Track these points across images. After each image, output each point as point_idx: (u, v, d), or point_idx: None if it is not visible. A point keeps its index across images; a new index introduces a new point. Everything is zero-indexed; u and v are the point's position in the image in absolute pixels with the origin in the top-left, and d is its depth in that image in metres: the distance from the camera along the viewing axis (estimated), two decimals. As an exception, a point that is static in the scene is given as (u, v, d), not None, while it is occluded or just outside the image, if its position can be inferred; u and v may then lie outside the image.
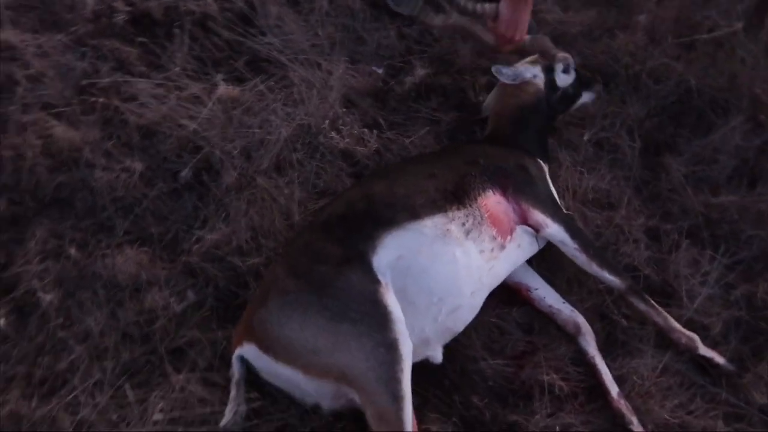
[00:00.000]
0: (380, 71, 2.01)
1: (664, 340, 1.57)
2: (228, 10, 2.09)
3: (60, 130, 1.73)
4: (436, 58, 2.04)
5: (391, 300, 1.33)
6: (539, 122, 1.78)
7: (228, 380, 1.38)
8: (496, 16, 1.76)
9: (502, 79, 1.73)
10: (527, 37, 1.81)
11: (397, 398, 1.26)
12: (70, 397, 1.36)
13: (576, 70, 1.84)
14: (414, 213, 1.42)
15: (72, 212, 1.64)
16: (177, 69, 1.90)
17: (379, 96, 1.96)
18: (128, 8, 2.04)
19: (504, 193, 1.55)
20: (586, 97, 1.89)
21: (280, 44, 2.00)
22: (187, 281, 1.55)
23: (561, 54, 1.81)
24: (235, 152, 1.73)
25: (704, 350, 1.56)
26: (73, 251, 1.57)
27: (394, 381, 1.27)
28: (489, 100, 1.88)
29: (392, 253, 1.38)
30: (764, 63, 1.99)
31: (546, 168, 1.72)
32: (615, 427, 1.45)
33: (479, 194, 1.50)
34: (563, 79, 1.81)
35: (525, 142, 1.73)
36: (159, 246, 1.60)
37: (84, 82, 1.85)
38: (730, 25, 2.01)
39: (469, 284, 1.43)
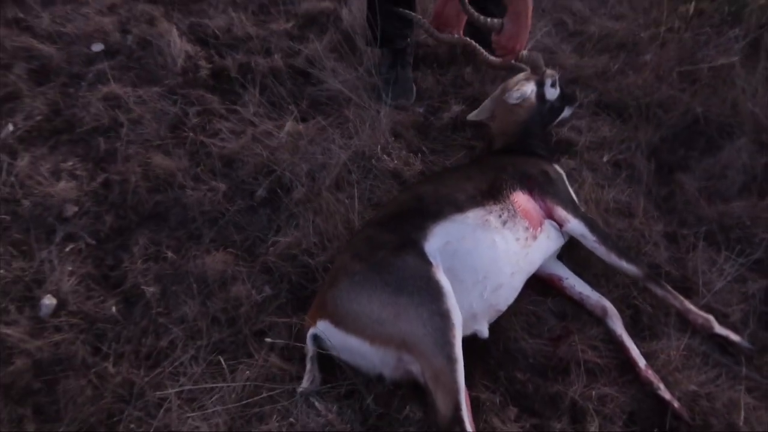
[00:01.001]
0: (421, 110, 2.33)
1: (686, 324, 1.76)
2: (291, 66, 2.48)
3: (157, 159, 2.08)
4: (469, 96, 2.36)
5: (442, 277, 1.56)
6: (537, 131, 2.06)
7: (302, 357, 1.61)
8: (500, 29, 2.06)
9: (512, 102, 2.02)
10: (524, 51, 2.08)
11: (451, 359, 1.47)
12: (171, 367, 1.61)
13: (560, 86, 2.13)
14: (458, 207, 1.69)
15: (167, 224, 1.96)
16: (251, 111, 2.26)
17: (421, 129, 2.27)
18: (209, 65, 2.44)
19: (531, 192, 1.80)
20: (566, 112, 2.17)
21: (336, 90, 2.35)
22: (265, 277, 1.81)
23: (550, 70, 2.10)
24: (302, 173, 2.03)
25: (720, 329, 1.73)
26: (169, 254, 1.86)
27: (449, 345, 1.48)
28: (478, 113, 2.15)
29: (440, 239, 1.63)
30: (762, 91, 2.24)
31: (562, 171, 1.96)
32: (645, 395, 1.61)
33: (510, 192, 1.76)
34: (551, 93, 2.10)
35: (535, 149, 2.00)
36: (241, 249, 1.88)
37: (175, 122, 2.22)
38: (728, 59, 2.28)
39: (508, 265, 1.66)
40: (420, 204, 1.72)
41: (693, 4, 2.42)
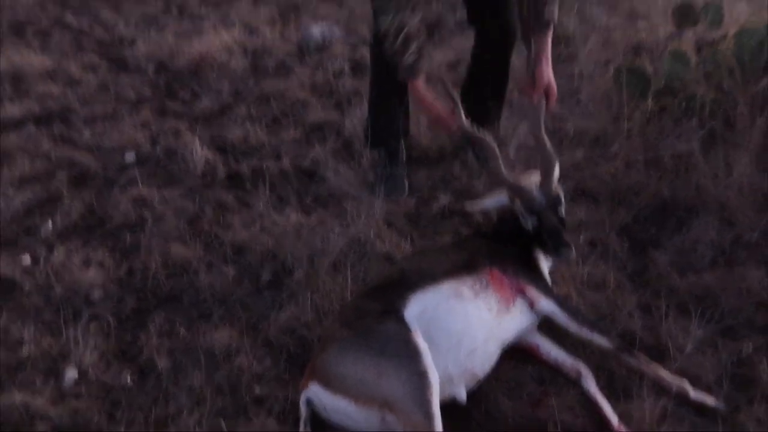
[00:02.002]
0: (412, 201, 2.59)
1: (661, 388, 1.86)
2: (298, 167, 2.79)
3: (175, 249, 2.34)
4: (456, 189, 2.62)
5: (420, 341, 1.71)
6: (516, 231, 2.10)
7: (296, 420, 1.75)
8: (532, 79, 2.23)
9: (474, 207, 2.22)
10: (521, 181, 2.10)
11: (429, 415, 1.59)
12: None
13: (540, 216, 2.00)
14: (434, 278, 1.87)
15: (181, 305, 2.18)
16: (261, 206, 2.54)
17: (412, 218, 2.51)
18: (226, 169, 2.77)
19: (504, 271, 1.97)
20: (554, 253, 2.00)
21: (337, 187, 2.64)
22: (265, 349, 2.00)
23: (520, 206, 2.03)
24: (303, 258, 2.27)
25: (696, 394, 1.83)
26: (182, 331, 2.07)
27: (426, 402, 1.61)
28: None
29: (418, 307, 1.80)
30: (722, 175, 2.46)
31: (542, 258, 2.13)
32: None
33: (484, 268, 1.94)
34: (526, 223, 2.03)
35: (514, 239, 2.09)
36: (245, 325, 2.08)
37: (193, 217, 2.51)
38: (687, 147, 2.52)
39: (481, 332, 1.81)
40: (402, 276, 1.92)
41: (651, 102, 2.71)
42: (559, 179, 2.12)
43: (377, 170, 2.67)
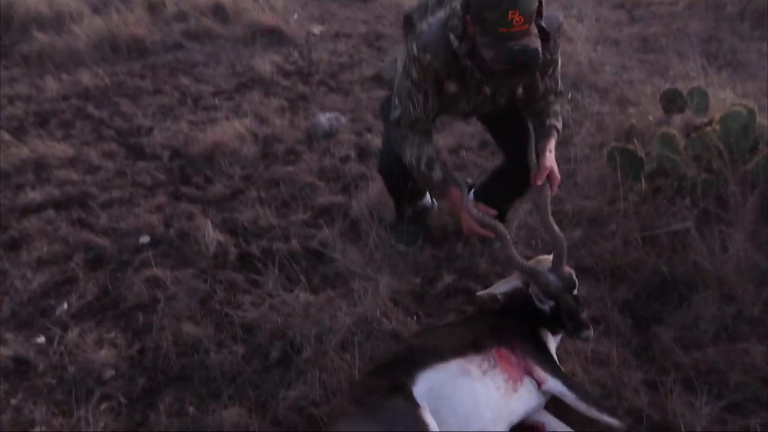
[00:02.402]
0: (417, 280, 2.66)
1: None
2: (306, 248, 2.89)
3: (187, 328, 2.39)
4: (459, 268, 2.70)
5: (428, 417, 1.73)
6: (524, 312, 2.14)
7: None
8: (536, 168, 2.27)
9: (490, 292, 2.21)
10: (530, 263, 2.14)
11: (438, 494, 1.61)
12: None
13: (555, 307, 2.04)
14: (442, 357, 1.91)
15: (191, 384, 2.20)
16: (270, 285, 2.61)
17: (417, 296, 2.57)
18: (237, 250, 2.87)
19: (512, 350, 2.01)
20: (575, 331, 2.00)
21: (344, 267, 2.72)
22: (275, 427, 2.01)
23: (536, 289, 2.07)
24: (312, 336, 2.31)
25: (706, 471, 1.82)
26: (191, 410, 2.09)
27: (435, 480, 1.63)
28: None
29: (426, 385, 1.83)
30: (719, 252, 2.54)
31: (550, 336, 2.17)
32: None
33: (492, 347, 1.97)
34: (542, 305, 2.07)
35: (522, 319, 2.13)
36: (255, 404, 2.10)
37: (205, 297, 2.58)
38: (682, 225, 2.62)
39: (489, 411, 1.82)
40: (410, 354, 1.96)
41: (644, 183, 2.83)
42: (571, 271, 2.14)
43: (396, 230, 2.86)
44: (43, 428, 2.03)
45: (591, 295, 2.52)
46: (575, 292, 2.09)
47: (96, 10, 5.83)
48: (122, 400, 2.15)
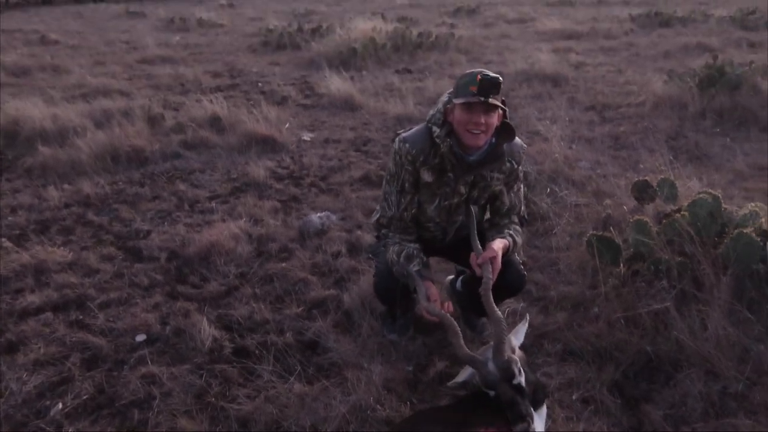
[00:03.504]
0: (410, 368, 2.71)
1: None
2: (300, 341, 2.95)
3: (182, 423, 2.40)
4: (451, 355, 2.76)
5: (425, 499, 1.76)
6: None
7: None
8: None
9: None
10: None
11: None
12: None
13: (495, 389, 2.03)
14: (431, 442, 1.95)
15: (186, 479, 2.20)
16: (265, 378, 2.65)
17: (410, 384, 2.61)
18: (232, 345, 2.92)
19: (498, 428, 2.04)
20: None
21: (338, 357, 2.77)
22: None
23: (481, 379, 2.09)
24: (307, 426, 2.33)
25: None
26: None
27: None
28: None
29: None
30: (699, 330, 2.63)
31: (534, 414, 2.19)
32: None
33: (480, 427, 2.01)
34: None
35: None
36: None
37: (200, 392, 2.60)
38: (661, 306, 2.73)
39: (485, 488, 1.85)
40: (403, 437, 2.00)
41: (623, 267, 2.97)
42: (512, 358, 2.07)
43: (386, 322, 2.95)
44: None
45: (579, 377, 2.59)
46: (520, 380, 2.02)
47: (99, 125, 6.17)
48: (116, 499, 2.13)
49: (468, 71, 2.35)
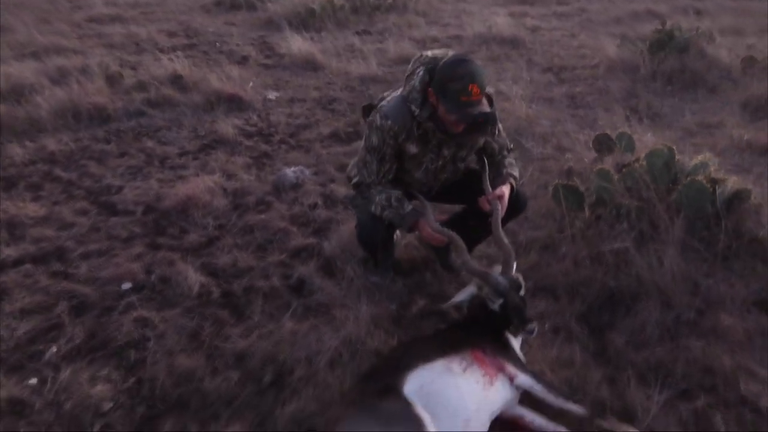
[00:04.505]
0: (393, 306, 2.88)
1: (634, 443, 2.09)
2: (287, 285, 3.07)
3: (179, 360, 2.51)
4: (429, 293, 2.94)
5: (421, 411, 1.93)
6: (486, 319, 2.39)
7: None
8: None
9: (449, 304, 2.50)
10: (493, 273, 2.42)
11: (436, 477, 1.78)
12: None
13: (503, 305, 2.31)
14: (426, 359, 2.12)
15: (190, 409, 2.31)
16: (256, 319, 2.77)
17: (395, 320, 2.78)
18: (219, 290, 3.02)
19: (484, 351, 2.25)
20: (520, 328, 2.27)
21: (324, 299, 2.91)
22: (275, 441, 2.14)
23: (492, 292, 2.34)
24: (301, 359, 2.47)
25: (663, 445, 2.08)
26: (193, 429, 2.19)
27: (433, 465, 1.81)
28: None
29: (415, 384, 2.03)
30: (656, 265, 2.89)
31: (512, 338, 2.41)
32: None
33: (467, 349, 2.21)
34: (491, 305, 2.35)
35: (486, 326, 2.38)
36: (255, 419, 2.23)
37: (193, 333, 2.70)
38: (622, 245, 2.97)
39: (472, 403, 2.03)
40: (397, 360, 2.16)
41: (587, 212, 3.20)
42: (518, 274, 2.44)
43: (368, 266, 3.08)
44: (47, 459, 2.08)
45: (550, 310, 2.81)
46: (522, 292, 2.36)
47: (55, 82, 5.98)
48: (123, 428, 2.22)
49: (457, 66, 2.33)
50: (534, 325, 2.24)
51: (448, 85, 2.35)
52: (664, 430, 2.19)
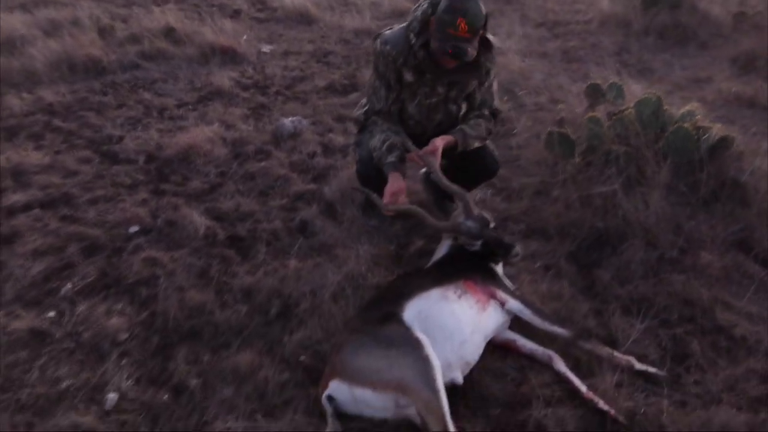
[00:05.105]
0: (392, 247, 3.02)
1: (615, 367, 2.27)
2: (289, 228, 3.19)
3: (190, 295, 2.65)
4: (427, 235, 3.08)
5: (420, 335, 2.07)
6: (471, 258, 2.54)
7: (320, 415, 2.05)
8: None
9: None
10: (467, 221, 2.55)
11: (435, 391, 1.93)
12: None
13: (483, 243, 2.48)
14: (424, 288, 2.28)
15: (202, 339, 2.46)
16: (261, 258, 2.90)
17: (394, 259, 2.93)
18: (225, 232, 3.14)
19: (474, 280, 2.40)
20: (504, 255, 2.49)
21: (326, 239, 3.04)
22: (284, 365, 2.29)
23: (464, 235, 2.50)
24: (307, 292, 2.62)
25: (640, 366, 2.26)
26: (206, 358, 2.35)
27: (432, 380, 1.95)
28: None
29: (414, 311, 2.19)
30: (642, 207, 3.03)
31: (498, 268, 2.55)
32: (589, 411, 2.07)
33: (460, 279, 2.36)
34: (470, 248, 2.51)
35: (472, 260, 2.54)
36: (264, 347, 2.38)
37: (202, 272, 2.84)
38: (610, 188, 3.11)
39: (467, 326, 2.20)
40: (396, 290, 2.32)
41: (578, 159, 3.33)
42: (479, 211, 2.59)
43: (365, 211, 3.19)
44: (72, 381, 2.22)
45: (541, 250, 2.96)
46: (492, 224, 2.52)
47: (48, 34, 5.95)
48: (140, 356, 2.37)
49: (455, 1, 2.39)
50: (517, 249, 2.43)
51: (441, 15, 2.42)
52: (643, 353, 2.36)
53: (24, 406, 2.14)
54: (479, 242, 2.45)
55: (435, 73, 2.64)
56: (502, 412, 2.10)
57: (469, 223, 2.47)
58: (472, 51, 2.45)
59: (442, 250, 2.66)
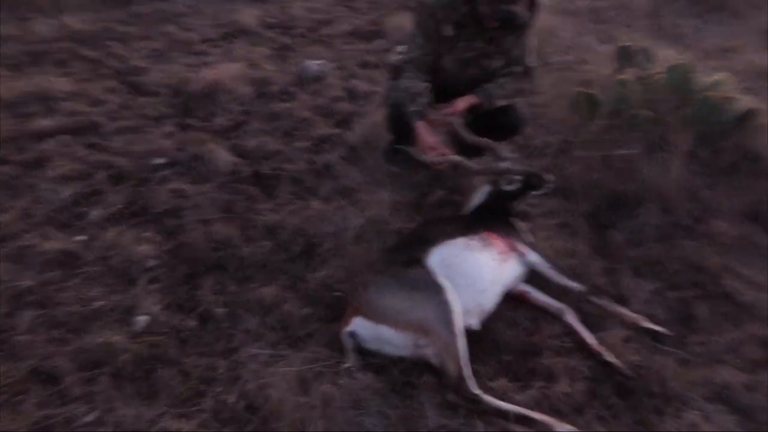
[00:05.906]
0: (413, 195, 3.07)
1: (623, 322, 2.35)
2: (313, 170, 3.24)
3: (216, 228, 2.73)
4: (448, 186, 3.13)
5: (443, 280, 2.16)
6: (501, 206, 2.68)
7: (339, 349, 2.15)
8: None
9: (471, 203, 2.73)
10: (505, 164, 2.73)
11: (454, 334, 2.02)
12: (242, 358, 2.12)
13: (523, 179, 2.66)
14: (449, 235, 2.35)
15: (228, 271, 2.55)
16: (285, 197, 2.97)
17: (415, 207, 2.99)
18: (250, 169, 3.20)
19: (497, 233, 2.47)
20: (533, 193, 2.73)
21: (349, 183, 3.10)
22: (307, 299, 2.39)
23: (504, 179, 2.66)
24: (330, 234, 2.70)
25: (647, 324, 2.34)
26: (232, 288, 2.44)
27: (452, 324, 2.04)
28: None
29: (438, 257, 2.26)
30: (662, 172, 3.06)
31: (520, 223, 2.64)
32: (597, 363, 2.16)
33: (484, 231, 2.43)
34: (509, 188, 2.67)
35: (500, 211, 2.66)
36: (287, 282, 2.47)
37: (227, 207, 2.91)
38: (630, 151, 3.14)
39: (488, 275, 2.28)
40: (421, 236, 2.38)
41: (604, 121, 3.34)
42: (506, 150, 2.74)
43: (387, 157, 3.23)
44: (103, 302, 2.33)
45: (561, 207, 3.01)
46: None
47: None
48: (168, 283, 2.47)
49: None
50: (551, 176, 2.63)
51: None
52: (652, 312, 2.44)
53: (59, 323, 2.25)
54: (518, 178, 2.59)
55: (478, 31, 2.65)
56: (513, 358, 2.19)
57: (506, 164, 2.62)
58: (520, 12, 2.47)
59: (479, 197, 2.71)
